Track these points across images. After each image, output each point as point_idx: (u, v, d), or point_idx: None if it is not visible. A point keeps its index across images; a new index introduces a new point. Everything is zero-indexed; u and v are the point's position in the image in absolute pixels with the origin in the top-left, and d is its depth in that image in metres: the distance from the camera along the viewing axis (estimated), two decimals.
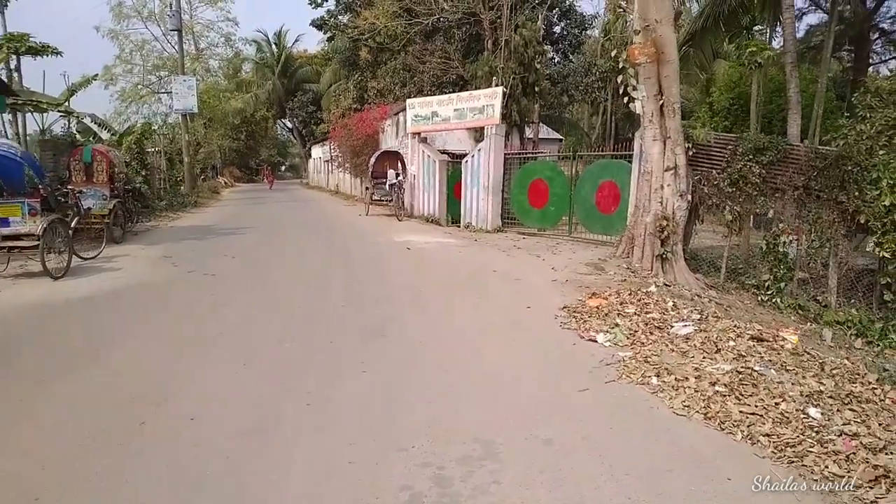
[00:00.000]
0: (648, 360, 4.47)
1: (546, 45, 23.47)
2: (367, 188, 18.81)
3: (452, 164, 16.04)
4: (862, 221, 8.74)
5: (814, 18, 21.26)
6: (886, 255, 8.41)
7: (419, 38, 23.61)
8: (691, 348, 4.68)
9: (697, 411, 3.56)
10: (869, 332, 8.56)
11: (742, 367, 4.15)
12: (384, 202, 17.78)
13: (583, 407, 3.79)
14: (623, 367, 4.39)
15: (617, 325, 5.40)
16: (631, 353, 4.69)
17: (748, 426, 3.33)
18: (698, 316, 5.60)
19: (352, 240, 12.55)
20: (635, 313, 5.73)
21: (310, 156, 47.39)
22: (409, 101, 16.94)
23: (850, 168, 8.83)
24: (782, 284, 9.50)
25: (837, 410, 3.46)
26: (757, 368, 4.08)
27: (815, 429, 3.25)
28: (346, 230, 14.45)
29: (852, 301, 9.32)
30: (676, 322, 5.38)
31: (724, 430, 3.36)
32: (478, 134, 16.68)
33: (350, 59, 30.67)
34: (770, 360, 4.33)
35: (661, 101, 9.41)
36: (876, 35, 19.18)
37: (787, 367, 4.19)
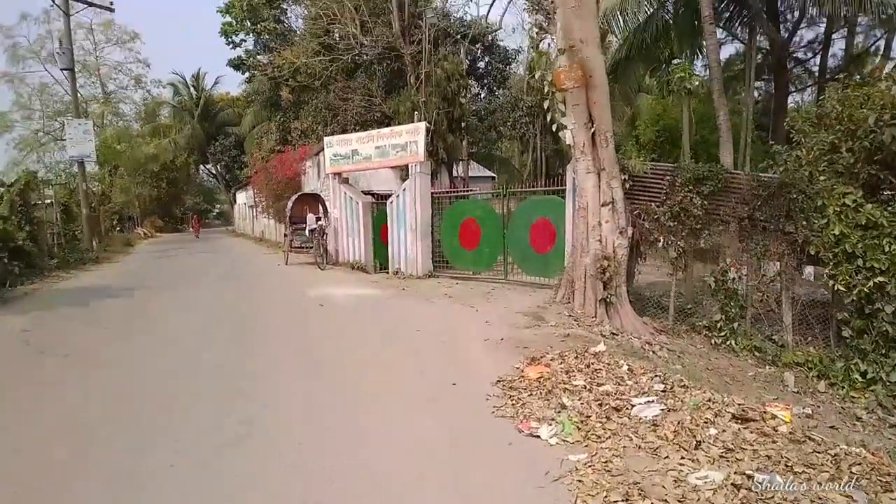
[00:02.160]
0: (609, 467, 3.29)
1: (471, 80, 22.96)
2: (285, 235, 17.30)
3: (377, 205, 14.82)
4: (812, 252, 8.09)
5: (730, 49, 21.81)
6: (841, 287, 7.75)
7: (340, 76, 22.70)
8: (663, 442, 3.54)
9: None
10: (831, 373, 7.91)
11: (737, 473, 3.03)
12: (305, 249, 16.29)
13: None
14: (577, 483, 3.17)
15: (564, 406, 4.22)
16: (586, 456, 3.48)
17: None
18: (661, 386, 4.50)
19: (258, 296, 10.98)
20: (585, 387, 4.58)
21: (235, 202, 45.14)
22: (326, 139, 15.71)
23: (794, 196, 8.24)
24: (735, 324, 8.76)
25: None
26: (758, 477, 2.97)
27: None
28: (257, 284, 12.85)
29: (808, 339, 8.65)
30: (637, 398, 4.26)
31: None
32: (404, 172, 15.59)
33: (271, 99, 29.35)
34: (768, 457, 3.24)
35: (593, 130, 8.60)
36: (792, 64, 19.54)
37: (794, 468, 3.11)
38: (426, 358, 6.22)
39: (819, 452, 3.35)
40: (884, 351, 7.52)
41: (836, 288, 7.77)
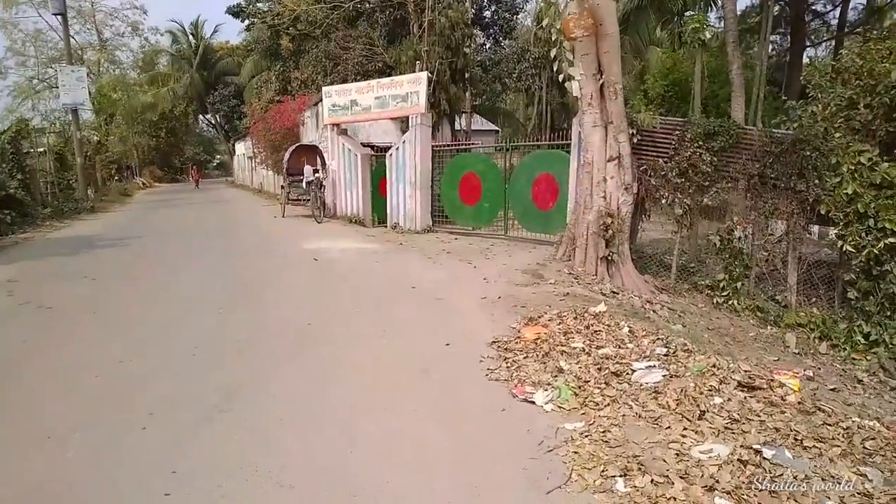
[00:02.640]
0: (607, 437, 3.10)
1: (476, 29, 22.17)
2: (282, 187, 16.97)
3: (376, 157, 14.46)
4: (823, 212, 7.86)
5: (746, 1, 20.94)
6: (850, 248, 7.56)
7: (341, 25, 21.94)
8: (664, 411, 3.34)
9: None
10: (833, 334, 7.80)
11: (743, 447, 2.84)
12: (302, 202, 15.97)
13: None
14: (573, 454, 2.98)
15: (561, 370, 4.02)
16: (582, 425, 3.30)
17: None
18: (664, 349, 4.30)
19: (251, 250, 10.74)
20: (583, 349, 4.38)
21: (234, 152, 44.52)
22: (324, 89, 15.20)
23: (808, 153, 7.94)
24: (739, 284, 8.58)
25: None
26: (766, 453, 2.78)
27: None
28: (251, 237, 12.61)
29: (813, 300, 8.50)
30: (638, 362, 4.06)
31: None
32: (404, 124, 15.17)
33: (271, 48, 28.48)
34: (776, 430, 3.05)
35: (601, 81, 8.21)
36: (810, 17, 18.75)
37: (804, 443, 2.92)
38: (420, 316, 5.99)
39: (830, 425, 3.16)
40: (889, 313, 7.47)
41: (844, 248, 7.58)
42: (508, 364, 4.26)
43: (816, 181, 7.85)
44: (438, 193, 13.02)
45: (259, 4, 28.89)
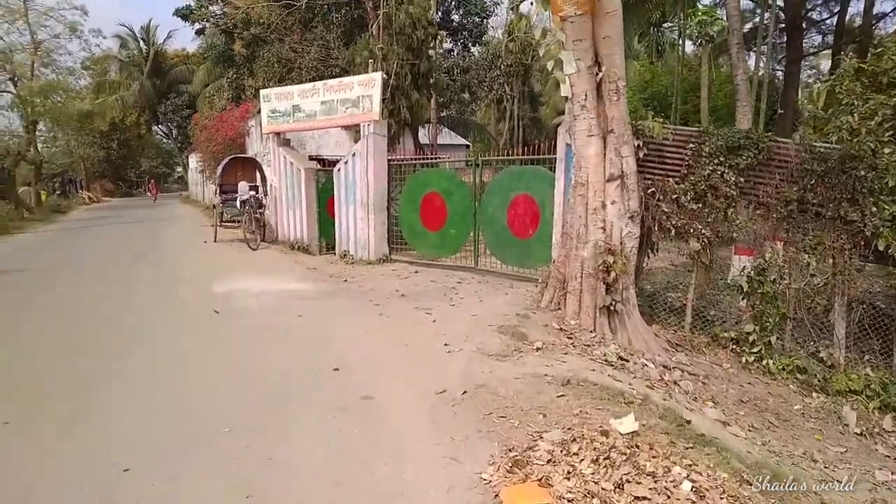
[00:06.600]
0: None
1: (443, 34, 20.31)
2: (213, 206, 14.55)
3: (325, 173, 12.27)
4: (881, 248, 6.04)
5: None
6: None
7: (297, 27, 19.92)
8: None
9: None
10: None
11: None
12: (238, 224, 13.54)
13: None
14: None
15: None
16: None
17: None
18: None
19: (146, 290, 8.33)
20: None
21: (188, 166, 41.67)
22: (262, 92, 12.96)
23: (862, 173, 6.10)
24: (773, 338, 6.66)
25: None
26: None
27: None
28: (161, 270, 10.06)
29: (866, 356, 6.65)
30: None
31: None
32: (358, 135, 13.07)
33: (225, 54, 26.28)
34: None
35: (600, 77, 6.24)
36: (806, 25, 17.28)
37: None
38: (325, 447, 3.56)
39: None
40: None
41: None
42: None
43: (874, 209, 6.03)
44: (396, 216, 10.91)
45: (213, 7, 26.69)
